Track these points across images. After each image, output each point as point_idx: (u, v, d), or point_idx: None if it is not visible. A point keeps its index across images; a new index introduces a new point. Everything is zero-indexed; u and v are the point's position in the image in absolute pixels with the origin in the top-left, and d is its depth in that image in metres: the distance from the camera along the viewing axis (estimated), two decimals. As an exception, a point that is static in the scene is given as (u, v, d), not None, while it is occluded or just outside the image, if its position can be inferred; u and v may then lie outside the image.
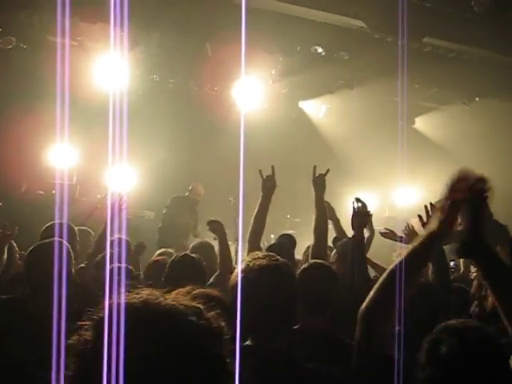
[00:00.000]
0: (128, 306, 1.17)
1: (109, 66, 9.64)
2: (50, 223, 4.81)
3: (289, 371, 2.19)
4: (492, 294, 1.92)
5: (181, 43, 10.04)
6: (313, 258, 4.10)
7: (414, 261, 2.01)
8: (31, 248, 3.54)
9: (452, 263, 5.67)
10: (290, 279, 2.43)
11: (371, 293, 2.06)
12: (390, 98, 12.71)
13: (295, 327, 2.93)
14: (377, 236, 6.15)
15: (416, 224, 4.26)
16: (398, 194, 12.87)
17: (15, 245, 5.11)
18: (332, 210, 5.85)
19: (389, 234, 6.03)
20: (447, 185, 2.03)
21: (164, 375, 1.12)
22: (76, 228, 5.12)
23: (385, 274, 2.04)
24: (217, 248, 5.04)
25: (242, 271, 2.33)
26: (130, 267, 4.33)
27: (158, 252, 5.74)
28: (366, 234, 5.01)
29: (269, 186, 4.70)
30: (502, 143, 12.14)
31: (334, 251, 5.11)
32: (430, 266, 3.92)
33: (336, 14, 8.76)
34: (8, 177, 9.43)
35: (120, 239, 4.20)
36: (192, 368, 1.14)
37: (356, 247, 4.07)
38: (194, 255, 4.35)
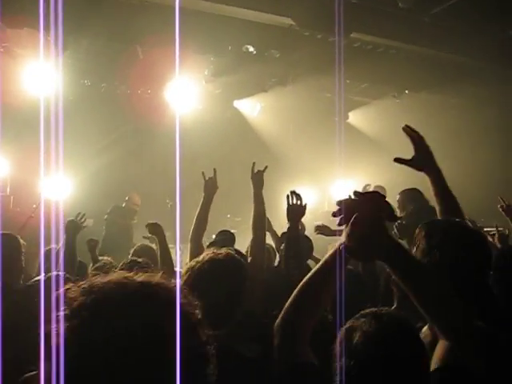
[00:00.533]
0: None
1: (38, 73, 9.43)
2: None
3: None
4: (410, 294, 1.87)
5: (110, 47, 9.92)
6: (251, 254, 4.15)
7: (325, 273, 1.94)
8: None
9: None
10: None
11: (287, 303, 2.03)
12: (322, 94, 12.93)
13: None
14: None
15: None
16: (337, 188, 13.06)
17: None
18: (269, 223, 5.94)
19: (322, 229, 6.15)
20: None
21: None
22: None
23: (299, 287, 2.00)
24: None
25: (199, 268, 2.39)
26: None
27: (96, 265, 5.66)
28: None
29: (211, 187, 4.83)
30: (432, 134, 12.49)
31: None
32: None
33: (265, 12, 8.82)
34: None
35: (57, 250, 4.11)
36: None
37: (291, 240, 4.14)
38: (140, 259, 4.37)
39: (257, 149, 12.77)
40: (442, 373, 1.79)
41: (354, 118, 14.41)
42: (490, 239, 5.47)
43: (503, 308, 2.86)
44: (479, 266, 2.39)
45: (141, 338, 1.16)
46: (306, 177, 12.57)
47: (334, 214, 1.77)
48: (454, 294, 1.82)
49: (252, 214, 4.63)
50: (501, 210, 5.89)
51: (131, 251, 5.94)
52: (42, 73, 9.28)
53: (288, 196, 4.35)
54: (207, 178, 4.91)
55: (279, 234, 6.18)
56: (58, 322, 1.16)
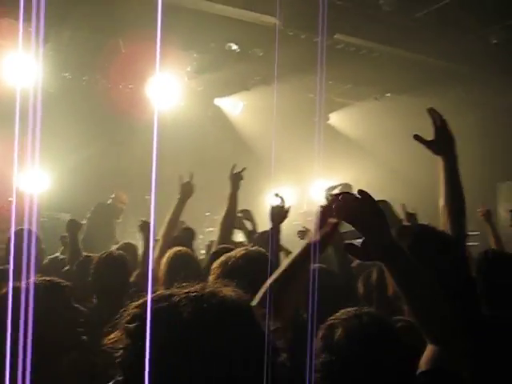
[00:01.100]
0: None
1: (17, 64, 9.30)
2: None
3: None
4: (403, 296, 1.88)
5: (93, 40, 9.81)
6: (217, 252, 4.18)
7: (293, 271, 1.95)
8: None
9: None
10: None
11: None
12: (304, 95, 12.93)
13: None
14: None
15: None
16: (316, 189, 13.08)
17: None
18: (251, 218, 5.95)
19: (304, 234, 6.15)
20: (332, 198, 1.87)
21: None
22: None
23: (266, 285, 1.99)
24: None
25: None
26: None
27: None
28: None
29: (186, 191, 4.85)
30: (411, 137, 12.56)
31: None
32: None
33: (250, 10, 8.80)
34: None
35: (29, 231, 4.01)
36: None
37: (273, 241, 4.14)
38: (117, 252, 4.41)
39: (237, 147, 12.76)
40: (428, 375, 1.81)
41: (335, 119, 14.45)
42: None
43: (486, 311, 2.90)
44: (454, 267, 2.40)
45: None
46: (286, 177, 12.58)
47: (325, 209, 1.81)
48: (445, 298, 1.83)
49: (223, 213, 4.69)
50: (480, 215, 5.96)
51: (113, 247, 5.93)
52: (22, 64, 9.15)
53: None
54: (184, 182, 4.90)
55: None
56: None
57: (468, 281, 2.55)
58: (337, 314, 2.01)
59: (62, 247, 6.63)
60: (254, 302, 1.84)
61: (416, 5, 9.24)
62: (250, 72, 11.66)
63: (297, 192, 12.75)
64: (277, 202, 4.34)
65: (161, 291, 1.29)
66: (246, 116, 13.66)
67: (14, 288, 2.09)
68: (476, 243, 6.43)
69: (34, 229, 4.05)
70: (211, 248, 5.52)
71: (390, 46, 10.09)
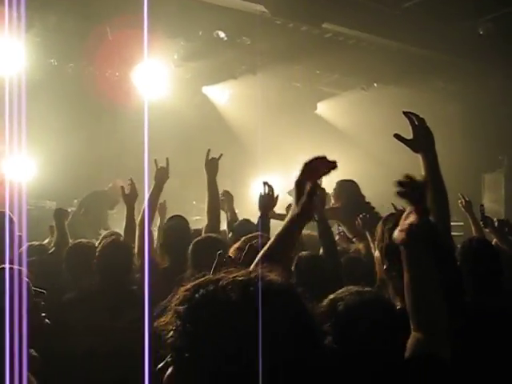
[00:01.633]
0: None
1: (3, 49, 9.20)
2: None
3: None
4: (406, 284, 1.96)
5: (79, 26, 9.70)
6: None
7: (280, 246, 2.01)
8: None
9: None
10: None
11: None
12: (291, 84, 12.93)
13: None
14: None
15: None
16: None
17: None
18: (231, 201, 5.95)
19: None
20: (302, 166, 2.02)
21: None
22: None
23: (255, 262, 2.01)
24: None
25: None
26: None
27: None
28: None
29: (161, 176, 4.81)
30: (399, 127, 12.63)
31: (231, 234, 5.20)
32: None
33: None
34: None
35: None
36: None
37: (263, 229, 4.15)
38: (122, 240, 4.52)
39: (225, 136, 12.73)
40: (413, 362, 1.86)
41: (323, 108, 14.46)
42: None
43: (471, 298, 2.97)
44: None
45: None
46: (273, 165, 12.58)
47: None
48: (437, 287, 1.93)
49: (206, 200, 4.73)
50: (461, 206, 6.11)
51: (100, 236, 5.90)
52: (7, 50, 9.05)
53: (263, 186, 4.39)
54: (159, 167, 4.88)
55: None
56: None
57: (455, 271, 2.60)
58: (340, 290, 2.09)
59: (49, 236, 6.60)
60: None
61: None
62: (237, 60, 11.62)
63: (284, 180, 12.72)
64: (265, 190, 4.36)
65: (208, 276, 1.33)
66: (232, 104, 13.63)
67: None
68: (461, 233, 6.50)
69: (7, 212, 3.99)
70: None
71: (378, 36, 10.11)
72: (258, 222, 4.34)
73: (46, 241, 6.22)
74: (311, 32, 9.71)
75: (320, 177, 2.00)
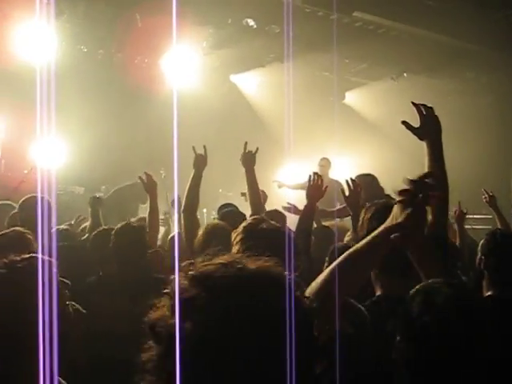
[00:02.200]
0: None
1: (34, 36, 9.30)
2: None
3: None
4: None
5: (109, 13, 9.77)
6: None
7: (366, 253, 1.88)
8: None
9: None
10: None
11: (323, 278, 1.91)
12: (320, 73, 12.85)
13: None
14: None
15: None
16: (332, 169, 12.99)
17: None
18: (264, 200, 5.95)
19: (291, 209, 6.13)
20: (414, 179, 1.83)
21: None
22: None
23: (327, 271, 1.90)
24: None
25: None
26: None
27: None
28: None
29: (200, 163, 4.80)
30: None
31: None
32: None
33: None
34: None
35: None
36: None
37: (307, 218, 4.13)
38: (135, 224, 4.55)
39: (252, 124, 12.72)
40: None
41: (351, 98, 14.35)
42: None
43: (495, 291, 2.97)
44: None
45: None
46: (301, 154, 12.53)
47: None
48: None
49: (247, 192, 4.72)
50: (485, 201, 6.10)
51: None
52: (38, 36, 9.15)
53: (310, 176, 4.28)
54: (197, 154, 4.86)
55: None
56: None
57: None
58: (425, 284, 2.05)
59: (76, 219, 6.72)
60: (318, 279, 1.86)
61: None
62: (265, 48, 11.59)
63: (311, 170, 12.71)
64: (314, 179, 4.26)
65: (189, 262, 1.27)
66: (261, 93, 13.60)
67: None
68: (489, 227, 6.43)
69: (46, 196, 4.06)
70: None
71: (408, 25, 9.98)
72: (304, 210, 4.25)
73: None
74: (341, 20, 9.63)
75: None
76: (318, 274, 1.89)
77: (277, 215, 4.91)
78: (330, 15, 9.32)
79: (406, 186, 1.77)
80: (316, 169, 12.09)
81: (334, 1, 8.02)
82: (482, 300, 2.02)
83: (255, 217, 3.33)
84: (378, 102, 13.55)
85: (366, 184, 5.99)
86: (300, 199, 4.82)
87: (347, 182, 4.45)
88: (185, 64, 11.15)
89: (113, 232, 4.22)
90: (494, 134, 12.05)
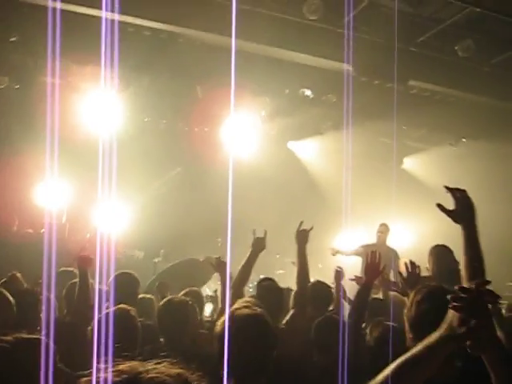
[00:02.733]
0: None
1: (100, 107, 9.75)
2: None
3: None
4: None
5: (171, 85, 10.18)
6: (294, 306, 4.41)
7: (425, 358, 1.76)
8: None
9: None
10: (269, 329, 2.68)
11: None
12: (377, 139, 12.89)
13: None
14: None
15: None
16: (390, 236, 12.82)
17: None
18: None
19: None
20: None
21: None
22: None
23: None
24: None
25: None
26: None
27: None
28: None
29: (258, 245, 4.97)
30: (491, 184, 12.32)
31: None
32: None
33: (323, 58, 8.93)
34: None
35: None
36: None
37: (363, 293, 4.15)
38: (182, 298, 4.52)
39: (310, 191, 12.79)
40: None
41: (410, 164, 14.28)
42: None
43: None
44: None
45: None
46: (359, 222, 12.46)
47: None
48: None
49: (296, 269, 4.86)
50: None
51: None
52: (104, 107, 9.59)
53: (368, 254, 4.36)
54: (256, 237, 5.03)
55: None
56: None
57: None
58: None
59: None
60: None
61: (492, 50, 9.16)
62: (323, 117, 11.76)
63: (370, 238, 12.55)
64: (373, 258, 4.29)
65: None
66: (319, 160, 13.71)
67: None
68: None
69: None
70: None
71: (465, 92, 9.98)
72: (361, 288, 4.28)
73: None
74: (397, 88, 9.73)
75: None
76: None
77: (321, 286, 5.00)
78: (386, 84, 9.43)
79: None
80: (374, 235, 12.05)
81: (389, 71, 8.13)
82: None
83: (243, 303, 3.35)
84: (437, 167, 13.42)
85: (437, 256, 5.85)
86: (353, 265, 4.83)
87: (406, 264, 4.28)
88: (243, 132, 11.41)
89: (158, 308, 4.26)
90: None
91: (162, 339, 4.12)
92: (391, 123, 10.68)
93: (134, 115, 11.10)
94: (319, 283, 5.37)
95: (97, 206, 9.27)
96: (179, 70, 9.50)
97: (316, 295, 5.08)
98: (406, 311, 2.59)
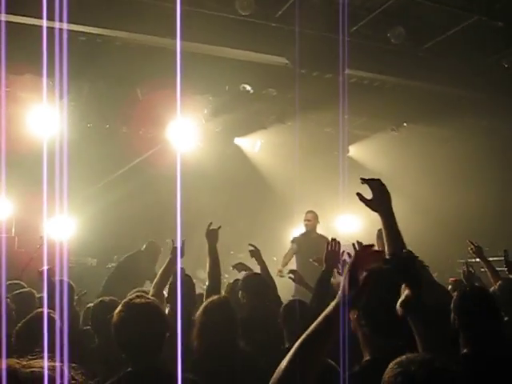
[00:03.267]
0: None
1: (41, 116, 9.62)
2: None
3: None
4: None
5: (111, 89, 10.11)
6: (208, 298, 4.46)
7: (330, 324, 1.95)
8: None
9: None
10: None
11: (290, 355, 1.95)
12: (321, 129, 13.07)
13: None
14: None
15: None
16: (340, 223, 13.03)
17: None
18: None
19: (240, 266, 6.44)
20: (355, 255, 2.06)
21: None
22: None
23: (295, 348, 1.95)
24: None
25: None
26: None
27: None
28: None
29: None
30: (431, 165, 12.66)
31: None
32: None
33: (260, 52, 9.01)
34: None
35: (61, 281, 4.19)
36: None
37: (322, 284, 4.29)
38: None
39: (258, 185, 12.89)
40: None
41: (355, 151, 14.51)
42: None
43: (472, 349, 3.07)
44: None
45: None
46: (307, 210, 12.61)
47: None
48: None
49: (207, 264, 5.11)
50: (471, 252, 6.19)
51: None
52: (46, 116, 9.47)
53: (328, 242, 4.57)
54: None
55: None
56: None
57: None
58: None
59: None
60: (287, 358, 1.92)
61: (424, 35, 9.41)
62: (265, 111, 11.86)
63: (320, 227, 12.74)
64: (333, 246, 4.44)
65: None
66: (265, 153, 13.82)
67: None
68: (504, 268, 6.43)
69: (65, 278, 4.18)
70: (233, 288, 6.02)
71: (401, 78, 10.22)
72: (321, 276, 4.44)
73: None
74: (336, 79, 9.88)
75: (370, 265, 2.00)
76: None
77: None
78: (324, 75, 9.57)
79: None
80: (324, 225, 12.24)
81: (324, 63, 8.28)
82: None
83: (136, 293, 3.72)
84: (381, 153, 13.67)
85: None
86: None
87: (353, 245, 4.39)
88: (188, 132, 11.41)
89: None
90: (498, 177, 12.08)
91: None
92: (333, 113, 10.85)
93: (77, 122, 10.98)
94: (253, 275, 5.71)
95: (45, 216, 9.15)
96: (118, 74, 9.44)
97: (248, 285, 5.30)
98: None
